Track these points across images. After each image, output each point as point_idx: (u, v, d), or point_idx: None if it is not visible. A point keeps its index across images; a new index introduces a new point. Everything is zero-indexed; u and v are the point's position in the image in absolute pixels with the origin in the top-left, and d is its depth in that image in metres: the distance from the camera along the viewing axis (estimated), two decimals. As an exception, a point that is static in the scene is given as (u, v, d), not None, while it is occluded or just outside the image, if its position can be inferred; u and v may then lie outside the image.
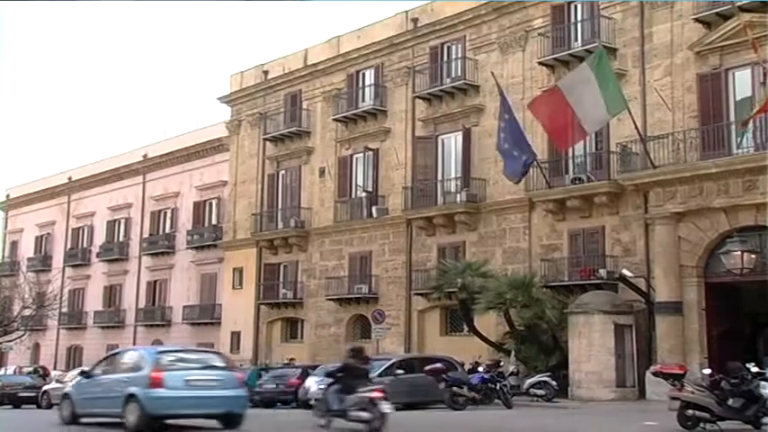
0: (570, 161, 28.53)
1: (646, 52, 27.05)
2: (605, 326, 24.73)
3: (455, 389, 22.92)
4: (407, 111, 34.39)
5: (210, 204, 45.06)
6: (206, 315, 43.33)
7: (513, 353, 26.88)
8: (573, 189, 27.76)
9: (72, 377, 30.66)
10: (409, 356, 27.78)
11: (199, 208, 45.42)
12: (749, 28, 22.79)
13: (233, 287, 41.11)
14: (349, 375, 15.92)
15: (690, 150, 24.97)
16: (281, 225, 38.87)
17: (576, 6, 29.35)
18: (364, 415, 14.65)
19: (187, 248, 45.48)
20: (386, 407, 14.60)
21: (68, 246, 55.15)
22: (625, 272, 25.21)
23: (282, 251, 38.70)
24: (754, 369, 17.90)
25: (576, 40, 29.11)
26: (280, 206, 39.46)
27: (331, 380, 16.32)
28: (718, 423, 17.03)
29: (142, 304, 48.10)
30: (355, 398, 15.07)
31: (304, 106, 38.99)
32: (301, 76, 39.16)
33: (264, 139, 40.37)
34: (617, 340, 24.86)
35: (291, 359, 34.13)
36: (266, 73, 41.10)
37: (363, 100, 36.50)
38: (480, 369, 24.56)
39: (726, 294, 24.67)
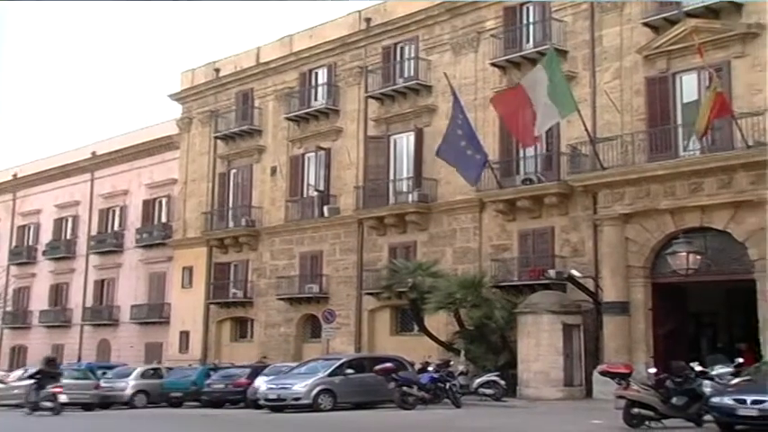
0: (521, 162, 28.73)
1: (596, 55, 27.35)
2: (554, 326, 24.93)
3: (405, 388, 22.95)
4: (360, 110, 34.37)
5: (160, 203, 44.53)
6: (154, 314, 42.80)
7: (462, 352, 26.98)
8: (523, 190, 27.96)
9: (16, 378, 30.23)
10: (359, 356, 27.75)
11: (148, 206, 44.86)
12: (695, 33, 23.19)
13: (182, 286, 40.69)
14: (44, 377, 24.17)
15: (638, 152, 25.30)
16: (231, 224, 38.60)
17: (527, 8, 29.57)
18: (48, 404, 23.53)
19: (136, 247, 44.88)
20: (62, 398, 23.98)
21: (13, 244, 54.11)
22: (573, 272, 25.45)
23: (233, 250, 38.42)
24: (698, 368, 18.24)
25: (528, 41, 29.33)
26: (230, 205, 39.18)
27: (33, 380, 24.39)
28: (663, 421, 17.30)
29: (89, 303, 47.33)
30: (46, 392, 23.74)
31: (256, 105, 38.76)
32: (253, 74, 38.92)
33: (215, 138, 40.05)
34: (565, 340, 25.08)
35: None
36: (218, 71, 40.78)
37: (316, 99, 36.39)
38: (430, 369, 24.60)
39: (671, 295, 25.03)
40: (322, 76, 36.28)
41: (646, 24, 25.93)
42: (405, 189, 32.03)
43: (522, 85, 25.45)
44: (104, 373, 31.84)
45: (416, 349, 28.58)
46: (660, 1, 25.67)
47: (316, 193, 35.37)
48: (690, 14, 24.54)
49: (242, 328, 38.78)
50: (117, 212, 47.35)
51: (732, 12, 24.24)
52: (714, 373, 18.69)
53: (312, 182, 35.82)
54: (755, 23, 23.72)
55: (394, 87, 32.87)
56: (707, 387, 17.71)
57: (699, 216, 23.73)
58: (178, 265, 41.20)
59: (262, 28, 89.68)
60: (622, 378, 17.81)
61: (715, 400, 16.86)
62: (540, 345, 24.94)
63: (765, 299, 22.06)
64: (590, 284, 25.78)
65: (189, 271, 40.46)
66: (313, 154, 35.90)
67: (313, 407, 23.14)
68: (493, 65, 29.73)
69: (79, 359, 44.29)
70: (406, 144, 32.49)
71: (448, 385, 23.44)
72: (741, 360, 19.76)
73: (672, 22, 25.16)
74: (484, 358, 26.72)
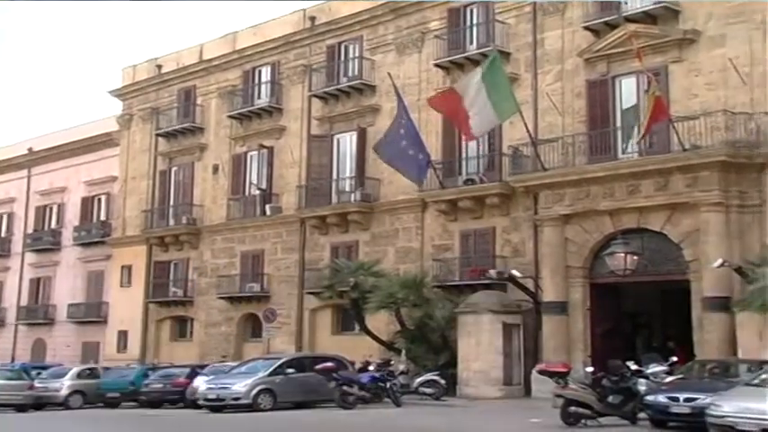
0: (463, 162, 28.89)
1: (538, 57, 27.63)
2: (494, 325, 25.10)
3: (345, 388, 22.89)
4: (303, 109, 34.23)
5: (99, 200, 43.74)
6: (92, 313, 42.03)
7: (403, 352, 27.02)
8: (465, 190, 28.12)
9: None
10: (300, 355, 27.60)
11: (87, 204, 44.03)
12: (634, 38, 23.54)
13: (121, 285, 40.07)
14: None
15: (578, 154, 25.61)
16: (172, 222, 38.16)
17: (471, 10, 29.74)
18: None
19: (74, 245, 44.01)
20: None
21: (-54, 241, 52.68)
22: (514, 272, 25.65)
23: (173, 249, 37.97)
24: (634, 367, 18.57)
25: (472, 43, 29.51)
26: (171, 203, 38.72)
27: None
28: (599, 419, 17.56)
29: (24, 302, 46.30)
30: None
31: (198, 102, 38.36)
32: (196, 71, 38.54)
33: (157, 135, 39.54)
34: (505, 339, 25.26)
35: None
36: (159, 67, 40.30)
37: (259, 97, 36.16)
38: (371, 368, 24.59)
39: (609, 294, 25.39)
40: (265, 74, 36.06)
41: (587, 28, 26.28)
42: (347, 188, 31.99)
43: (456, 89, 25.54)
44: (39, 374, 31.18)
45: (358, 349, 28.53)
46: (603, 1, 25.93)
47: (258, 192, 35.14)
48: (629, 19, 24.92)
49: (182, 328, 38.34)
50: (54, 210, 46.36)
51: (669, 18, 24.71)
52: (649, 371, 19.07)
53: (254, 180, 35.58)
54: (691, 30, 24.21)
55: (338, 87, 32.81)
56: (642, 385, 18.05)
57: (636, 217, 24.11)
58: (117, 263, 40.56)
59: (205, 25, 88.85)
60: (560, 377, 18.04)
61: (649, 398, 17.20)
62: (480, 344, 25.09)
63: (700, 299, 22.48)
64: (530, 284, 26.01)
65: (128, 270, 39.86)
66: (256, 152, 35.67)
67: (253, 407, 22.96)
68: (437, 65, 29.84)
69: (13, 359, 43.28)
70: (349, 143, 32.44)
71: (388, 384, 23.43)
72: (675, 359, 20.16)
73: (612, 26, 25.54)
74: (425, 358, 26.79)
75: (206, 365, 28.65)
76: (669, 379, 18.52)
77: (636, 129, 23.34)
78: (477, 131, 25.56)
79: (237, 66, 36.86)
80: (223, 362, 29.90)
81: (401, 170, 27.97)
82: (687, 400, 16.44)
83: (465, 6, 29.74)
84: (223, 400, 23.34)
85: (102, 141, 43.62)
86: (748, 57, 23.09)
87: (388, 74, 29.57)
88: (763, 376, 15.49)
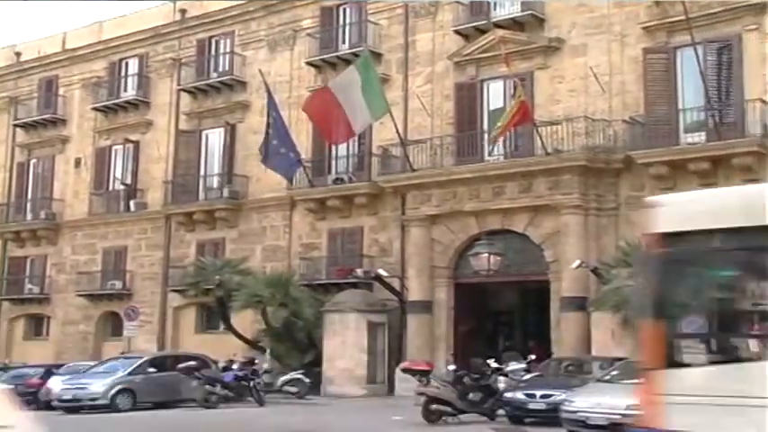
0: (333, 161, 28.86)
1: (409, 59, 27.89)
2: (359, 324, 25.18)
3: (208, 387, 22.50)
4: (171, 103, 33.45)
5: (-49, 192, 41.53)
6: (-59, 312, 39.81)
7: (267, 351, 26.74)
8: (334, 189, 28.09)
9: None
10: (162, 354, 26.93)
11: (-63, 196, 41.73)
12: (502, 43, 24.08)
13: (-28, 282, 38.13)
14: None
15: (446, 155, 25.96)
16: (29, 216, 36.56)
17: (344, 9, 29.77)
18: None
19: None
20: None
21: None
22: (380, 271, 25.77)
23: (30, 244, 36.38)
24: (494, 365, 18.93)
25: (344, 42, 29.52)
26: (30, 196, 37.09)
27: None
28: (460, 416, 17.81)
29: None
30: None
31: (60, 93, 36.90)
32: (58, 60, 37.05)
33: (15, 125, 37.80)
34: (370, 338, 25.37)
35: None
36: (18, 54, 38.52)
37: (125, 90, 35.12)
38: (234, 367, 24.21)
39: (472, 294, 25.86)
40: (133, 66, 35.04)
41: (457, 32, 26.72)
42: (215, 185, 31.46)
43: (330, 87, 25.53)
44: None
45: (222, 347, 27.96)
46: (475, 1, 26.35)
47: (122, 187, 34.14)
48: (498, 25, 25.51)
49: (37, 326, 36.74)
50: None
51: (536, 25, 25.40)
52: (508, 369, 19.45)
53: (119, 175, 34.52)
54: (556, 38, 24.96)
55: (207, 82, 32.24)
56: (501, 383, 18.43)
57: (500, 219, 24.64)
58: (-32, 259, 38.59)
59: (68, 13, 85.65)
60: (423, 375, 18.21)
61: (508, 395, 17.59)
62: (345, 343, 25.11)
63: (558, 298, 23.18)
64: (396, 284, 26.19)
65: (-20, 265, 37.98)
66: (121, 146, 34.60)
67: (111, 407, 22.23)
68: (308, 64, 29.72)
69: None
70: (218, 140, 31.89)
71: (252, 383, 23.13)
72: (533, 357, 20.68)
73: (481, 31, 26.05)
74: (290, 356, 26.58)
75: (62, 365, 27.56)
76: (527, 376, 18.97)
77: (497, 130, 23.83)
78: (357, 129, 25.54)
79: (103, 57, 35.66)
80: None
81: (274, 168, 27.69)
82: (543, 396, 16.89)
83: (338, 6, 29.73)
84: (79, 400, 22.52)
85: (-44, 130, 41.41)
86: (608, 66, 23.98)
87: (259, 70, 29.23)
88: (614, 373, 16.07)
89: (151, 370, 23.61)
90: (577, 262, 21.86)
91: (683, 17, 21.08)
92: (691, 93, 22.64)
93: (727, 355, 8.14)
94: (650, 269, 8.54)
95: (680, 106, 22.79)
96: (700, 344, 8.39)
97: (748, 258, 8.11)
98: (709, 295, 8.58)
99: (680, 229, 8.33)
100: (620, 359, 17.74)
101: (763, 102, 21.38)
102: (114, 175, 34.68)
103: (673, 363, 8.08)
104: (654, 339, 8.24)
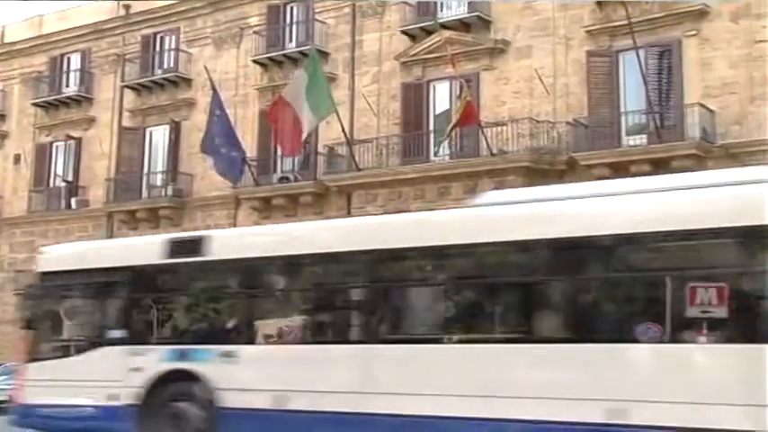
0: (278, 160, 28.73)
1: (356, 59, 27.90)
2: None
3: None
4: (115, 100, 32.98)
5: None
6: None
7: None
8: (279, 188, 27.94)
9: None
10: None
11: None
12: (449, 44, 24.20)
13: None
14: None
15: (392, 155, 26.01)
16: (-35, 214, 35.74)
17: (291, 8, 29.66)
18: None
19: None
20: None
21: None
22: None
23: (-35, 242, 35.61)
24: None
25: (291, 41, 29.40)
26: (-35, 194, 36.27)
27: None
28: None
29: None
30: None
31: (-1, 87, 36.22)
32: (-4, 54, 36.36)
33: (-51, 120, 36.96)
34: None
35: None
36: (-45, 48, 37.67)
37: (67, 85, 34.48)
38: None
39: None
40: (75, 61, 34.45)
41: (404, 32, 26.77)
42: (159, 183, 31.10)
43: (283, 95, 25.24)
44: None
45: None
46: (422, 2, 26.45)
47: (63, 184, 33.55)
48: (444, 26, 25.59)
49: (-27, 327, 35.91)
50: None
51: (482, 27, 25.58)
52: None
53: (60, 172, 33.92)
54: (501, 40, 25.18)
55: (152, 78, 31.82)
56: None
57: (446, 219, 24.68)
58: None
59: (7, 5, 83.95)
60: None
61: None
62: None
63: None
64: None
65: None
66: (62, 143, 33.99)
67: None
68: (255, 62, 29.55)
69: None
70: (162, 137, 31.51)
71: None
72: None
73: (428, 31, 26.11)
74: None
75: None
76: None
77: (446, 131, 23.95)
78: (305, 130, 25.31)
79: (44, 51, 34.98)
80: None
81: (216, 167, 27.38)
82: None
83: (285, 4, 29.60)
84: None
85: None
86: (552, 68, 24.27)
87: (205, 68, 28.90)
88: None
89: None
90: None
91: (625, 21, 21.44)
92: (633, 96, 23.02)
93: (59, 353, 13.10)
94: (28, 295, 13.79)
95: (622, 109, 23.17)
96: (50, 346, 13.31)
97: (83, 291, 13.26)
98: (62, 314, 13.49)
99: (48, 270, 13.33)
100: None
101: (702, 106, 21.83)
102: (55, 172, 34.07)
103: (34, 359, 13.07)
104: (26, 343, 13.30)
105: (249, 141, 28.54)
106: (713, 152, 21.71)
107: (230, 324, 12.17)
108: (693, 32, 22.48)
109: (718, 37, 22.20)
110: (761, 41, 21.56)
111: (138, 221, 31.14)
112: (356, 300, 11.54)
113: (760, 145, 21.17)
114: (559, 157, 23.43)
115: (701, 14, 22.39)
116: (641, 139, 22.64)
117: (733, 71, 21.92)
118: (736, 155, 21.44)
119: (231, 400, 11.22)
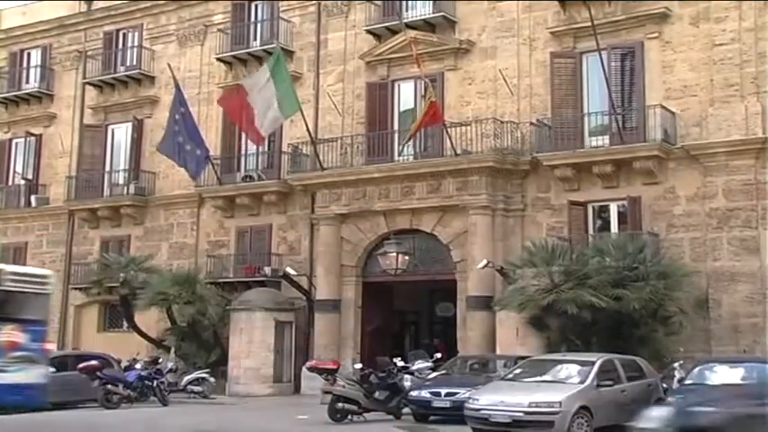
0: (242, 159, 28.55)
1: (321, 58, 27.79)
2: (266, 322, 24.95)
3: (109, 387, 21.90)
4: (76, 97, 32.63)
5: None
6: None
7: (172, 349, 26.27)
8: (243, 187, 27.73)
9: None
10: (61, 354, 26.05)
11: None
12: (414, 44, 24.09)
13: None
14: None
15: (357, 155, 25.91)
16: None
17: (256, 6, 29.46)
18: None
19: None
20: None
21: None
22: (288, 270, 25.56)
23: (-77, 240, 34.96)
24: (400, 363, 18.99)
25: (256, 39, 29.20)
26: None
27: None
28: (365, 414, 17.80)
29: None
30: None
31: (-43, 82, 35.58)
32: (-45, 49, 35.74)
33: None
34: (277, 336, 25.16)
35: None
36: None
37: (27, 82, 34.08)
38: (138, 366, 23.69)
39: (379, 293, 25.87)
40: (35, 57, 34.04)
41: (369, 32, 26.71)
42: (121, 181, 30.74)
43: (244, 86, 25.19)
44: None
45: (126, 346, 27.30)
46: (387, 2, 26.37)
47: (23, 182, 33.09)
48: (410, 26, 25.56)
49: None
50: None
51: (447, 27, 25.59)
52: (414, 368, 19.57)
53: (19, 169, 33.44)
54: (466, 40, 25.21)
55: (114, 75, 31.52)
56: (407, 381, 18.51)
57: (409, 218, 24.72)
58: None
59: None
60: (329, 374, 18.15)
61: (413, 393, 17.69)
62: (252, 341, 24.86)
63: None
64: (304, 282, 26.05)
65: None
66: (22, 140, 33.52)
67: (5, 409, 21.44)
68: (219, 60, 29.34)
69: None
70: (124, 135, 31.16)
71: (155, 383, 22.66)
72: (439, 355, 20.82)
73: (393, 31, 26.07)
74: (196, 355, 26.13)
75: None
76: (433, 375, 19.10)
77: (409, 131, 23.94)
78: (266, 131, 25.19)
79: (4, 47, 34.52)
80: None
81: (180, 164, 27.18)
82: (448, 394, 17.03)
83: (250, 2, 29.42)
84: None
85: None
86: (516, 69, 24.32)
87: (168, 65, 28.64)
88: (517, 371, 16.29)
89: (51, 370, 22.84)
90: (484, 261, 22.07)
91: (588, 23, 21.54)
92: (596, 97, 23.14)
93: None
94: None
95: (585, 110, 23.25)
96: None
97: None
98: None
99: None
100: (523, 357, 18.01)
101: (664, 108, 21.99)
102: (15, 170, 33.60)
103: None
104: None
105: (213, 140, 28.37)
106: (674, 153, 21.89)
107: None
108: (655, 35, 22.63)
109: (680, 40, 22.39)
110: (720, 45, 21.76)
111: (100, 220, 30.84)
112: None
113: (719, 147, 21.36)
114: (523, 158, 23.49)
115: (663, 17, 22.55)
116: (604, 140, 22.76)
117: (694, 74, 22.10)
118: (696, 156, 21.65)
119: None
